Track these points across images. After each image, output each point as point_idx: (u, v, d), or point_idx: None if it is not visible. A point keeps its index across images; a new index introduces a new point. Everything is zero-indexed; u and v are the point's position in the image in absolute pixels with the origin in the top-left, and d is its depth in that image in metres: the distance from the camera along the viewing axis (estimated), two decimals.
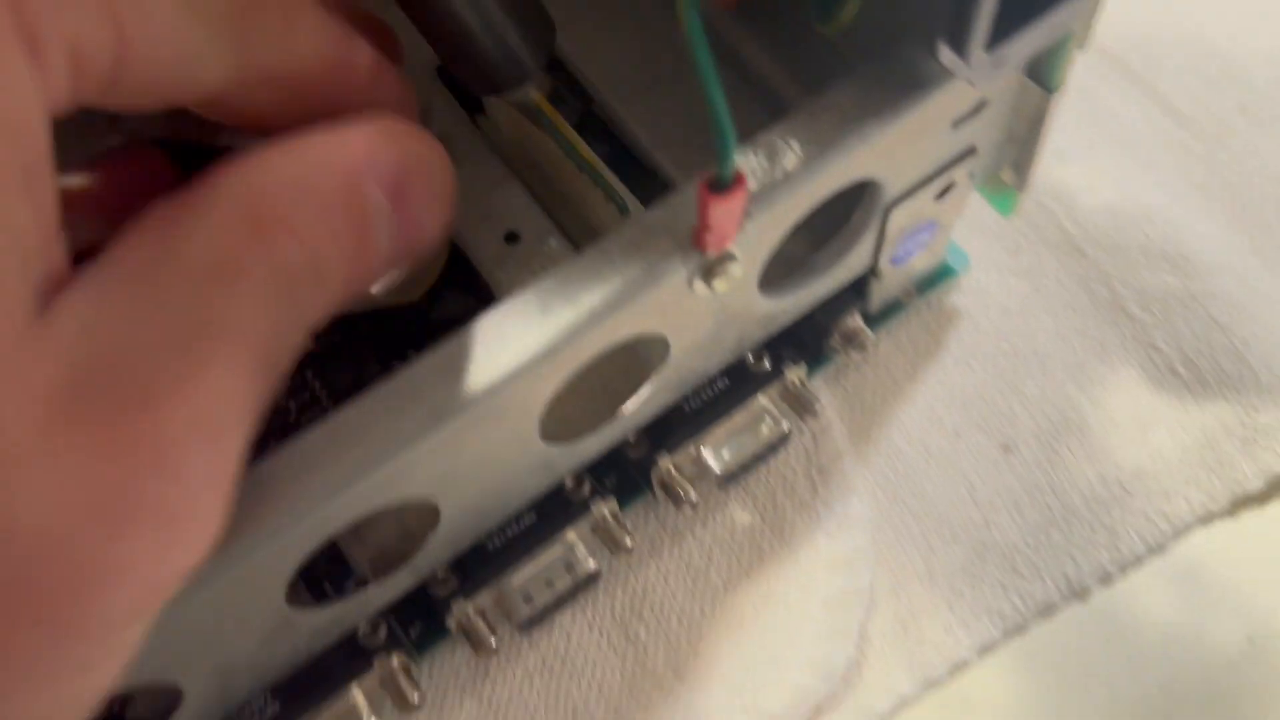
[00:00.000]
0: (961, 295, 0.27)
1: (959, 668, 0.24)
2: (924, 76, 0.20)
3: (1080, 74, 0.29)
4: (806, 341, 0.25)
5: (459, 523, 0.21)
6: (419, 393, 0.17)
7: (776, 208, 0.19)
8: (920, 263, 0.26)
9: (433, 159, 0.18)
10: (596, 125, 0.26)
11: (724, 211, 0.18)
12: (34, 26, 0.13)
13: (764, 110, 0.24)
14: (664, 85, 0.25)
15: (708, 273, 0.19)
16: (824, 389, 0.26)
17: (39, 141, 0.13)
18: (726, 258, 0.19)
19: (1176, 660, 0.24)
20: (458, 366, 0.18)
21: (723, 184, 0.17)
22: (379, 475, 0.17)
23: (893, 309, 0.27)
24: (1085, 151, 0.29)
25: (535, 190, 0.25)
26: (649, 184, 0.24)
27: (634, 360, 0.22)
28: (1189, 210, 0.28)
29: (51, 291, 0.13)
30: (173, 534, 0.13)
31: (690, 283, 0.19)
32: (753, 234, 0.19)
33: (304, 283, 0.15)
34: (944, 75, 0.20)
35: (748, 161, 0.19)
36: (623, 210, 0.24)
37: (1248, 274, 0.27)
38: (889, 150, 0.20)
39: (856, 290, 0.25)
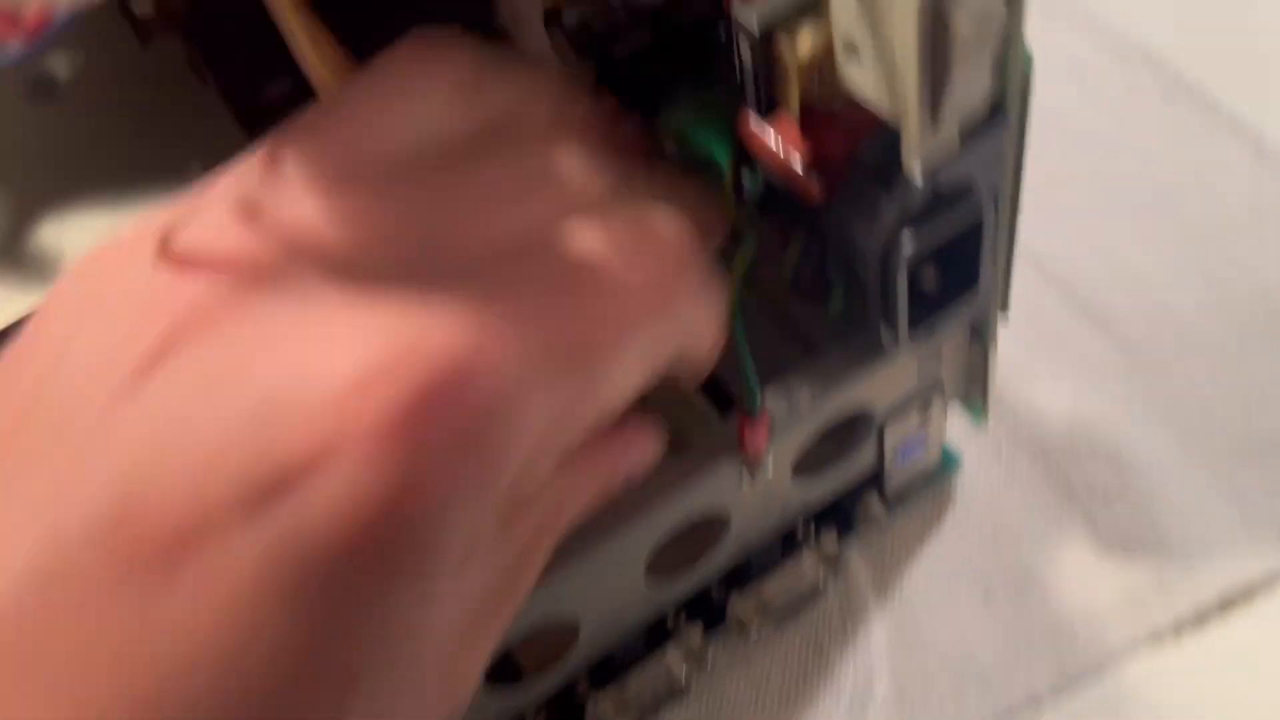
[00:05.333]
0: (959, 482, 0.38)
1: None
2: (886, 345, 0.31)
3: (1050, 317, 0.41)
4: (841, 518, 0.36)
5: (596, 636, 0.32)
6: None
7: (792, 430, 0.30)
8: (921, 463, 0.37)
9: None
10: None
11: (753, 431, 0.29)
12: None
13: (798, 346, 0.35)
14: None
15: (749, 466, 0.30)
16: (856, 549, 0.37)
17: None
18: (760, 458, 0.30)
19: None
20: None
21: (752, 415, 0.28)
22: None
23: (909, 492, 0.37)
24: (1050, 377, 0.40)
25: None
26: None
27: (712, 532, 0.33)
28: (1129, 417, 0.38)
29: None
30: None
31: (740, 472, 0.30)
32: (779, 445, 0.30)
33: None
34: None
35: (774, 399, 0.30)
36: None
37: (1169, 467, 0.37)
38: (870, 391, 0.31)
39: (877, 482, 0.36)
